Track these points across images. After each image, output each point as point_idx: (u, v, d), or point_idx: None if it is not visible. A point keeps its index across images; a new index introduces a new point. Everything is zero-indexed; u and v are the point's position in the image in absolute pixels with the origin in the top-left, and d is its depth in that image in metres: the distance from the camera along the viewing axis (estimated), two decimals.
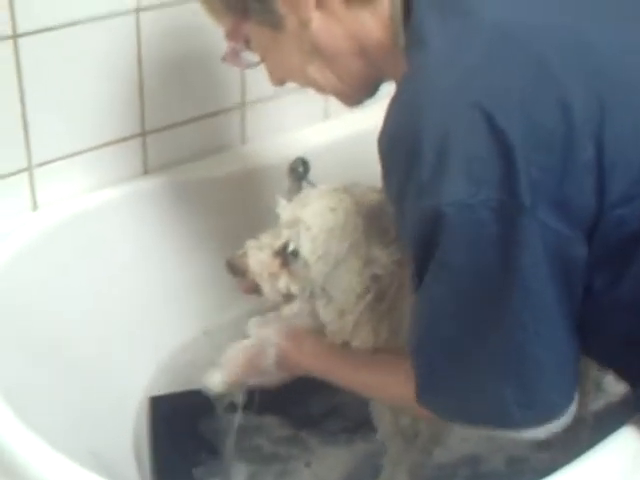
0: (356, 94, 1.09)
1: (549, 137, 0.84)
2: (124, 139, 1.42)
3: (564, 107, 0.84)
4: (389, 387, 1.11)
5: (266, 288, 1.17)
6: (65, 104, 1.35)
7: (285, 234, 1.14)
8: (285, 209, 1.15)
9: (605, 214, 0.86)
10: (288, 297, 1.18)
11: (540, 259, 0.85)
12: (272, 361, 1.24)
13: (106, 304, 1.43)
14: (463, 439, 1.44)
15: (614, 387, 1.33)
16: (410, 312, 1.00)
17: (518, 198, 0.83)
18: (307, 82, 1.08)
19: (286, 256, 1.13)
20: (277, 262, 1.15)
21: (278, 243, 1.14)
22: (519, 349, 0.90)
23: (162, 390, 1.50)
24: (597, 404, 1.38)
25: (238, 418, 1.50)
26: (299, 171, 1.53)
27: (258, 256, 1.16)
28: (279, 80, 1.12)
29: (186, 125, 1.48)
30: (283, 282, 1.15)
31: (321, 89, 1.09)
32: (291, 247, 1.12)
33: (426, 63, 0.89)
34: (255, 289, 1.19)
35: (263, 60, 1.10)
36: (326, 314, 1.16)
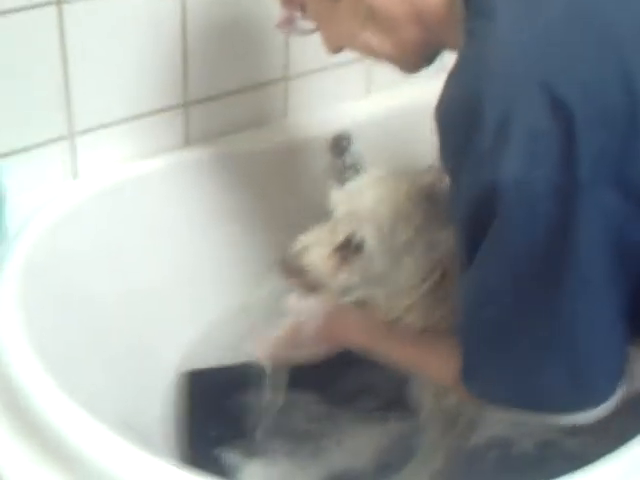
0: (412, 61, 1.07)
1: (612, 114, 0.83)
2: (167, 109, 1.41)
3: (629, 84, 0.82)
4: (432, 366, 1.11)
5: (330, 286, 1.12)
6: (108, 72, 1.34)
7: (345, 227, 1.09)
8: (340, 201, 1.11)
9: None
10: (347, 289, 1.15)
11: (597, 239, 0.84)
12: (313, 333, 1.23)
13: (145, 275, 1.43)
14: (497, 422, 1.42)
15: None
16: (457, 293, 0.98)
17: (577, 176, 0.82)
18: (363, 49, 1.07)
19: (349, 250, 1.09)
20: (338, 258, 1.10)
21: (339, 237, 1.10)
22: (570, 332, 0.89)
23: (196, 365, 1.50)
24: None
25: (272, 395, 1.52)
26: (342, 145, 1.50)
27: (318, 253, 1.11)
28: (335, 48, 1.10)
29: (229, 97, 1.46)
30: (345, 277, 1.11)
31: (377, 55, 1.07)
32: (356, 240, 1.08)
33: (493, 35, 0.87)
34: (314, 287, 1.14)
35: (318, 27, 1.09)
36: (386, 299, 1.14)
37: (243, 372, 1.50)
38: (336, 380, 1.55)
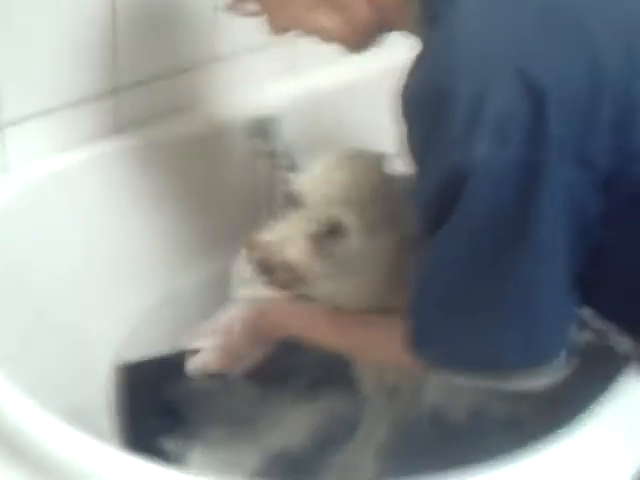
0: (361, 41, 1.08)
1: (579, 100, 0.87)
2: (96, 96, 1.37)
3: (597, 66, 0.87)
4: (378, 341, 1.12)
5: (310, 277, 1.05)
6: (35, 60, 1.29)
7: (318, 214, 1.04)
8: (306, 187, 1.06)
9: (626, 172, 0.89)
10: (323, 280, 1.09)
11: (558, 212, 0.89)
12: (245, 331, 1.21)
13: (79, 266, 1.40)
14: (434, 392, 1.47)
15: None
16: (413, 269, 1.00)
17: (545, 155, 0.86)
18: (311, 29, 1.07)
19: (328, 237, 1.04)
20: (317, 247, 1.04)
21: (313, 226, 1.04)
22: (527, 294, 0.93)
23: (132, 354, 1.48)
24: None
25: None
26: (268, 129, 1.50)
27: (297, 246, 1.03)
28: (280, 29, 1.10)
29: (158, 81, 1.43)
30: (326, 266, 1.05)
31: (325, 36, 1.08)
32: (335, 225, 1.04)
33: (462, 20, 0.90)
34: (292, 283, 1.06)
35: (264, 9, 1.08)
36: (351, 285, 1.11)
37: (177, 362, 1.50)
38: (267, 361, 1.57)
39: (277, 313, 1.22)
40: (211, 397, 1.50)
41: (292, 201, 1.07)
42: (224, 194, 1.53)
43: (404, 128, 0.95)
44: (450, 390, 1.39)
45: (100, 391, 1.39)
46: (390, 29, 1.08)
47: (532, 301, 0.94)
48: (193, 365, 1.27)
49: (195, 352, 1.28)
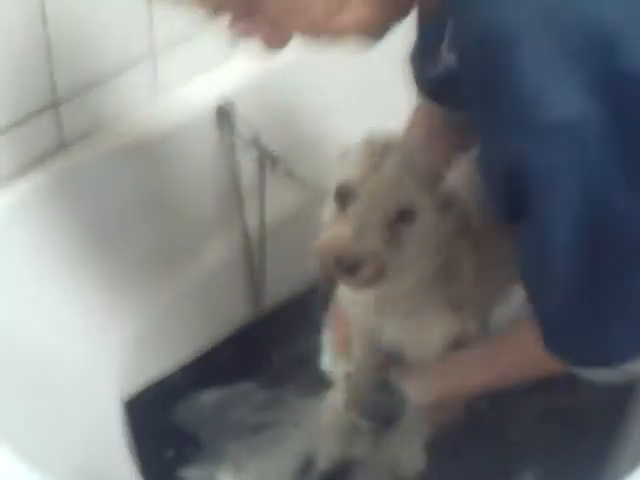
0: (388, 27, 0.93)
1: None
2: (37, 113, 1.21)
3: None
4: (519, 355, 1.05)
5: (391, 268, 0.97)
6: None
7: (381, 202, 0.96)
8: (358, 178, 0.98)
9: None
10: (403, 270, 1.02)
11: None
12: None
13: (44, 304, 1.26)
14: None
15: None
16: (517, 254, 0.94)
17: None
18: (332, 31, 0.91)
19: (400, 224, 0.97)
20: (391, 235, 0.96)
21: (379, 214, 0.95)
22: None
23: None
24: None
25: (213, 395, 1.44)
26: (229, 116, 1.38)
27: (370, 237, 0.94)
28: (284, 42, 0.92)
29: (98, 88, 1.29)
30: (401, 254, 0.98)
31: (346, 35, 0.91)
32: (407, 209, 0.97)
33: None
34: (376, 277, 0.96)
35: (268, 22, 0.89)
36: (420, 268, 1.05)
37: (179, 380, 1.44)
38: (264, 363, 1.49)
39: (444, 389, 1.17)
40: (221, 410, 1.42)
41: (343, 195, 0.99)
42: (193, 193, 1.40)
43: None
44: None
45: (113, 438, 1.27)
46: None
47: None
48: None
49: None
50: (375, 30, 0.92)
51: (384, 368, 1.23)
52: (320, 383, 1.34)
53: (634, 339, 0.92)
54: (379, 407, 1.29)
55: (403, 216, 0.97)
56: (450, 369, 1.16)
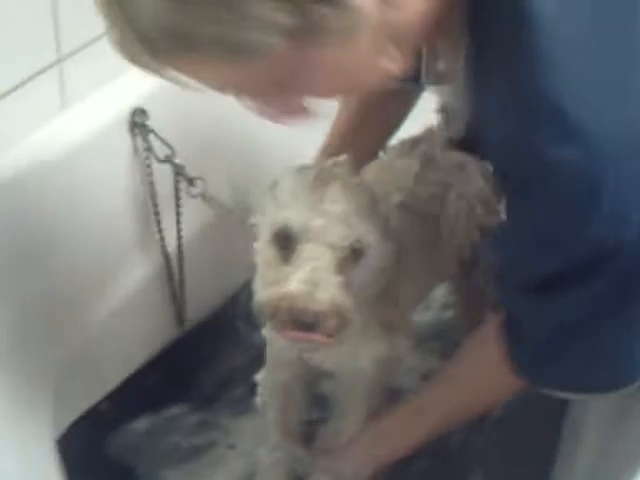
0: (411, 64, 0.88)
1: None
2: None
3: None
4: (477, 379, 1.05)
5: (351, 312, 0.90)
6: None
7: (334, 240, 0.89)
8: (299, 220, 0.90)
9: None
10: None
11: None
12: None
13: None
14: None
15: None
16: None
17: None
18: (372, 82, 0.85)
19: (349, 263, 0.91)
20: (345, 276, 0.89)
21: (329, 256, 0.88)
22: None
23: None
24: None
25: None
26: (142, 124, 1.31)
27: (330, 284, 0.86)
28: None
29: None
30: (356, 289, 0.92)
31: (381, 84, 0.86)
32: (355, 245, 0.91)
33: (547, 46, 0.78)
34: (342, 327, 0.90)
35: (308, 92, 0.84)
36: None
37: (107, 412, 1.38)
38: (193, 384, 1.45)
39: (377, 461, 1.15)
40: (153, 437, 1.38)
41: (283, 239, 0.92)
42: (108, 212, 1.32)
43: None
44: None
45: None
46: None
47: None
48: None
49: None
50: (404, 71, 0.87)
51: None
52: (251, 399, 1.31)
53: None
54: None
55: (353, 253, 0.91)
56: (378, 438, 1.14)
